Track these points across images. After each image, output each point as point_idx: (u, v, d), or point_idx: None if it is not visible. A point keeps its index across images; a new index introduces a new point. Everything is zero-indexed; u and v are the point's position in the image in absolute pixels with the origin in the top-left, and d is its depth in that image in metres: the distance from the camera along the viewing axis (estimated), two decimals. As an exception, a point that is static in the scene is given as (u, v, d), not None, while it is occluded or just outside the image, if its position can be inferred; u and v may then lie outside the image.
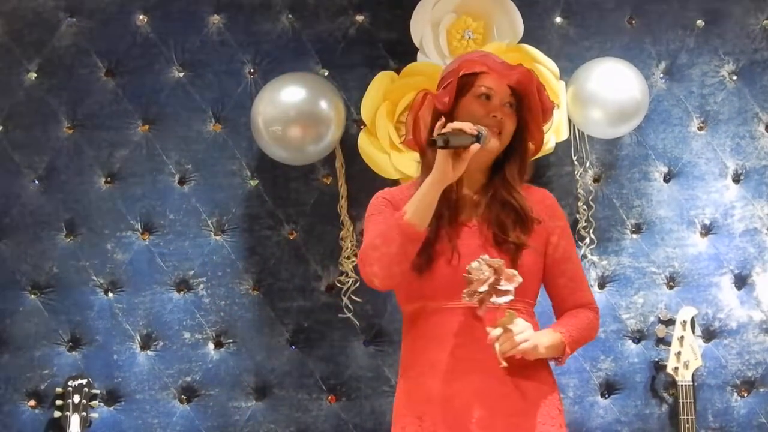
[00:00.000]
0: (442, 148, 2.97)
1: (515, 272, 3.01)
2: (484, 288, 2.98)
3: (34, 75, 4.24)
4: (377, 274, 3.08)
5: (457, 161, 3.01)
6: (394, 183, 4.20)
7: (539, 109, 3.21)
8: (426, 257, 3.13)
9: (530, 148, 3.27)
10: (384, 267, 3.06)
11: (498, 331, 3.01)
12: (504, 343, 3.01)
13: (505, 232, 3.16)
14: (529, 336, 3.04)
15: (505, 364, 3.00)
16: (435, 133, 3.02)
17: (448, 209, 3.17)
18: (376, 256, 3.06)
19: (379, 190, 3.28)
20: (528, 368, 3.12)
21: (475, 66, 3.21)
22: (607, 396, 4.25)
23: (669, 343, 4.15)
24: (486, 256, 3.02)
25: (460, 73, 3.17)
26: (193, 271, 4.22)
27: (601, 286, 4.28)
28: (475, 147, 3.00)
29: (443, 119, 3.07)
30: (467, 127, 3.01)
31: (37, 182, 4.22)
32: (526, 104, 3.20)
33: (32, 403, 4.14)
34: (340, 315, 4.19)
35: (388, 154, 4.12)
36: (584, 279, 3.33)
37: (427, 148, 3.15)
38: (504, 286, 3.00)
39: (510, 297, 3.00)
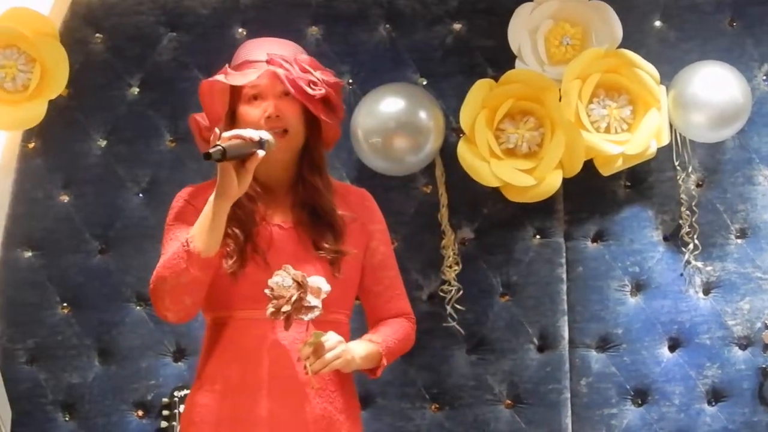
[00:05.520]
0: (219, 161, 2.81)
1: (321, 284, 2.89)
2: (287, 308, 2.86)
3: (136, 90, 4.41)
4: (169, 308, 2.96)
5: (242, 173, 2.87)
6: (494, 191, 4.31)
7: (304, 98, 3.03)
8: (238, 263, 3.00)
9: (323, 139, 3.13)
10: (175, 300, 2.95)
11: (307, 350, 2.90)
12: (315, 363, 2.90)
13: (323, 238, 3.05)
14: (341, 352, 2.93)
15: (316, 385, 2.93)
16: (210, 142, 2.86)
17: (261, 207, 3.06)
18: (166, 289, 2.93)
19: (185, 189, 3.17)
20: (336, 385, 3.03)
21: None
22: (713, 404, 4.31)
23: (777, 350, 4.21)
24: (289, 267, 2.89)
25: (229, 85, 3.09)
26: (295, 281, 4.34)
27: (706, 292, 4.33)
28: (260, 155, 2.88)
29: (216, 130, 2.89)
30: (246, 133, 2.89)
31: (140, 195, 4.38)
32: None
33: (139, 413, 4.31)
34: (443, 324, 4.29)
35: (487, 162, 4.23)
36: (402, 287, 3.21)
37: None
38: (310, 301, 2.88)
39: (317, 312, 2.89)
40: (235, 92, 3.10)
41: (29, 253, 4.36)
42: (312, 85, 3.06)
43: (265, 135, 2.93)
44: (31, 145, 4.37)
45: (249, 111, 3.06)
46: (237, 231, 3.01)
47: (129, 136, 4.39)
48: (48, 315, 4.34)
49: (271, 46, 3.15)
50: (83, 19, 4.39)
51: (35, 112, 4.29)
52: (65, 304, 4.35)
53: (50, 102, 4.30)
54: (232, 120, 3.09)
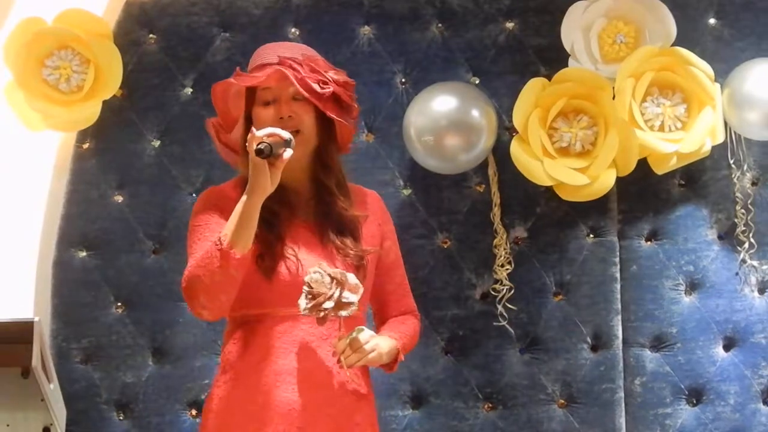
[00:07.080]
0: (267, 157, 2.92)
1: (357, 281, 3.01)
2: (329, 304, 2.96)
3: (190, 90, 4.45)
4: (206, 306, 3.04)
5: (273, 170, 2.97)
6: (547, 190, 4.32)
7: (314, 96, 3.14)
8: (270, 262, 3.10)
9: (336, 142, 3.25)
10: (211, 299, 3.02)
11: (344, 343, 3.04)
12: (351, 356, 3.04)
13: (345, 243, 3.16)
14: (375, 345, 3.09)
15: (348, 374, 3.06)
16: (249, 142, 2.96)
17: (286, 207, 3.14)
18: (201, 288, 3.01)
19: (209, 190, 3.29)
20: (359, 371, 3.17)
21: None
22: (769, 403, 4.32)
23: (834, 348, 4.20)
24: (324, 264, 3.02)
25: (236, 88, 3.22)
26: (347, 281, 4.37)
27: (762, 291, 4.33)
28: (288, 153, 2.98)
29: (253, 129, 3.00)
30: (277, 131, 2.99)
31: (194, 195, 4.41)
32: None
33: (193, 412, 4.35)
34: (495, 323, 4.31)
35: (540, 160, 4.24)
36: (408, 285, 3.37)
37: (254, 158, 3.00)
38: (348, 297, 2.98)
39: (354, 308, 3.00)
40: (251, 96, 3.21)
41: (84, 253, 4.42)
42: (322, 84, 3.17)
43: (290, 135, 3.04)
44: (86, 146, 4.43)
45: (263, 114, 3.18)
46: (267, 231, 3.11)
47: (182, 136, 4.44)
48: (102, 315, 4.40)
49: (283, 49, 3.26)
50: (137, 19, 4.45)
51: (89, 112, 4.35)
52: (119, 304, 4.40)
53: (104, 102, 4.37)
54: (248, 123, 3.20)
